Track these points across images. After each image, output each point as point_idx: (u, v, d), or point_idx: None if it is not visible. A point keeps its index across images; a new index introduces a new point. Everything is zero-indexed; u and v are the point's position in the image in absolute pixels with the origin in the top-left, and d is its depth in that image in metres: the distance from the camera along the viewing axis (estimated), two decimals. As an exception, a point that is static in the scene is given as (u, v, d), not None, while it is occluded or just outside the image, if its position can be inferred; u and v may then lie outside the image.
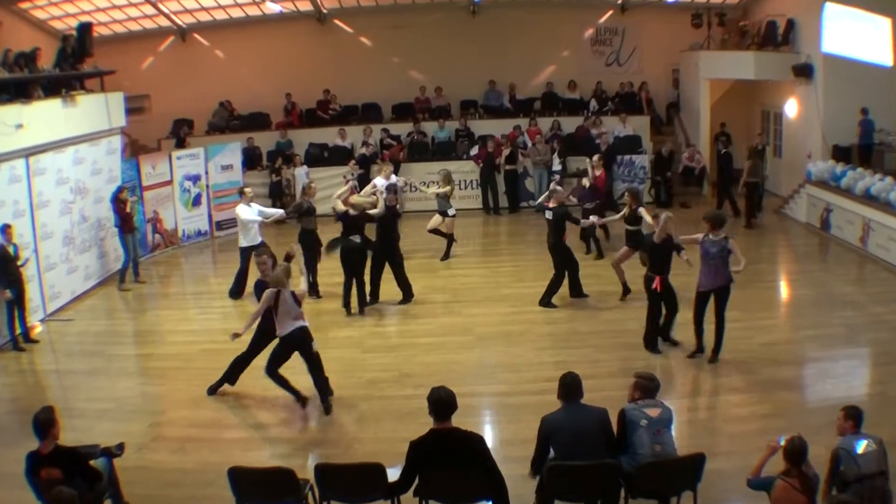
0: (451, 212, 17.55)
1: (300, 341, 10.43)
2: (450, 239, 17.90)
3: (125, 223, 16.65)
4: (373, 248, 14.77)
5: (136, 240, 17.09)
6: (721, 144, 21.22)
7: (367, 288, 14.69)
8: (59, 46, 16.84)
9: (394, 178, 17.46)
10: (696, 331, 11.80)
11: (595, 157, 18.44)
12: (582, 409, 7.37)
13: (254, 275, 13.01)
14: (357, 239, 14.30)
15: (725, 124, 22.93)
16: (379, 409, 10.62)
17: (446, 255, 17.88)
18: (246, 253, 15.12)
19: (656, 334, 12.21)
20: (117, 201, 16.54)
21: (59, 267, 15.77)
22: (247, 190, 15.97)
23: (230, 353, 11.20)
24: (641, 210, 13.99)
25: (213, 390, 11.25)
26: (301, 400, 10.68)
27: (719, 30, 23.56)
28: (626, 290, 14.45)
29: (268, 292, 10.30)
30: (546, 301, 14.41)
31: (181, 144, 22.86)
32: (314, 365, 10.67)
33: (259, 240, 15.26)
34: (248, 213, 15.30)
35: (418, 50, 25.19)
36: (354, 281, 14.41)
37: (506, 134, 23.20)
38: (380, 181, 16.85)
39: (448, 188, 17.50)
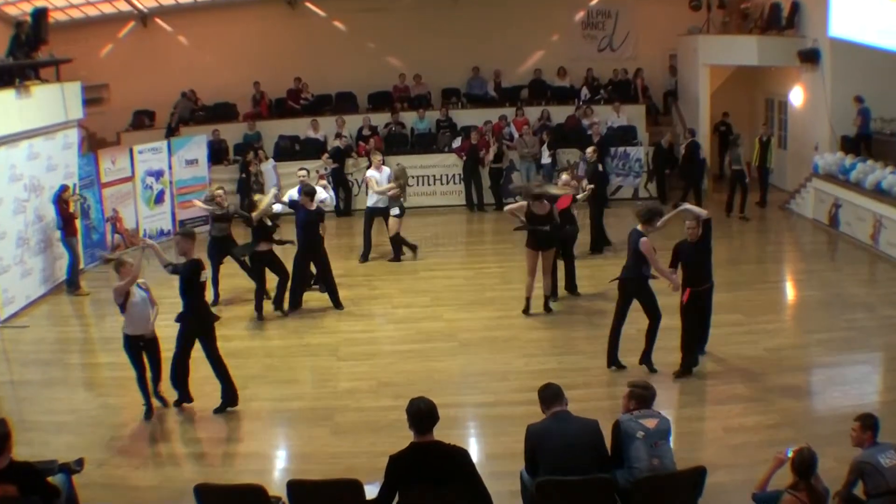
0: (394, 211, 17.18)
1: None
2: (400, 241, 17.59)
3: (68, 225, 16.51)
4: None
5: (79, 243, 16.96)
6: (689, 133, 21.74)
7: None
8: (12, 33, 16.65)
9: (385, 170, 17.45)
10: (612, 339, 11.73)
11: (589, 150, 18.30)
12: (571, 419, 7.33)
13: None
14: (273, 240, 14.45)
15: (728, 114, 23.09)
16: (355, 422, 10.58)
17: (396, 257, 17.67)
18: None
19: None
20: (60, 201, 16.36)
21: (13, 270, 15.60)
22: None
23: (193, 362, 11.18)
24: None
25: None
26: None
27: (719, 12, 23.73)
28: (527, 308, 14.25)
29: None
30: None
31: (172, 133, 22.75)
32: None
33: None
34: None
35: (396, 35, 25.10)
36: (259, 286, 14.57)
37: (489, 120, 23.15)
38: (373, 174, 16.83)
39: (394, 185, 16.93)
